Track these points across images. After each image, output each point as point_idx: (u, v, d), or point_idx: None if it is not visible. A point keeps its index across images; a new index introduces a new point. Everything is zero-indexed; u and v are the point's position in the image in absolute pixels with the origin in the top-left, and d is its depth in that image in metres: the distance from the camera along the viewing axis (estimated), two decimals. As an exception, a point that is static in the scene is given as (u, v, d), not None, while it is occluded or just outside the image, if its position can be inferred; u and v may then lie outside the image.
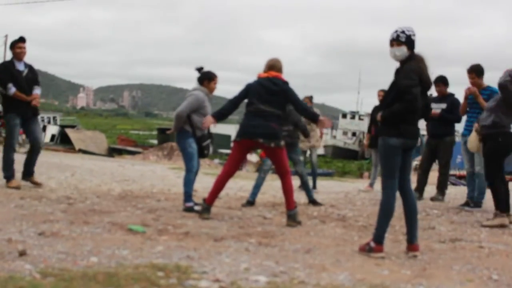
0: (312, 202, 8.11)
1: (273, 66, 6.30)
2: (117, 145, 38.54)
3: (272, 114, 6.11)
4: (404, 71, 4.73)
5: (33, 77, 7.83)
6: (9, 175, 7.66)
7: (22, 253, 3.93)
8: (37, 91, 7.81)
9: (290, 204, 6.19)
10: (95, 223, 5.44)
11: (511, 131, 6.60)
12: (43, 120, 41.21)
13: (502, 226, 6.39)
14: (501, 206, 6.50)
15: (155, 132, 56.17)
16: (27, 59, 7.88)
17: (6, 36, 45.99)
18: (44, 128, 39.03)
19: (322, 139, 14.68)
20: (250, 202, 7.70)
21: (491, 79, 7.11)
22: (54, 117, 44.37)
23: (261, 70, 6.32)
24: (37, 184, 7.93)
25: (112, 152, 33.90)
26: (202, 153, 6.93)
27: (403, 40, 4.78)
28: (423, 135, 8.46)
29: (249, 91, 6.23)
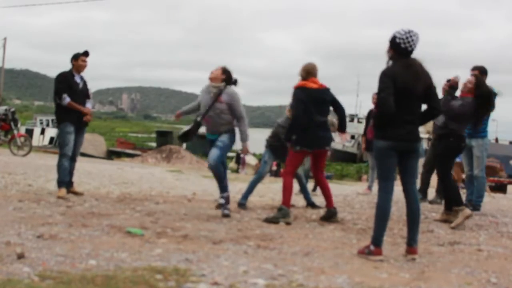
0: (311, 205, 8.11)
1: (311, 72, 6.71)
2: (116, 148, 38.56)
3: (326, 122, 6.76)
4: (379, 75, 4.80)
5: (86, 90, 7.95)
6: (60, 181, 7.59)
7: (20, 256, 3.93)
8: (89, 104, 7.93)
9: (329, 203, 6.91)
10: (93, 226, 5.44)
11: (462, 134, 6.87)
12: (41, 123, 41.17)
13: (467, 217, 6.56)
14: (456, 202, 6.70)
15: (154, 135, 56.13)
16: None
17: (5, 39, 46.01)
18: (42, 131, 39.02)
19: None
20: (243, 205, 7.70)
21: (494, 82, 7.14)
22: (53, 120, 44.25)
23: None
24: (78, 194, 7.78)
25: (111, 154, 33.92)
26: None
27: (389, 40, 4.90)
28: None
29: (303, 104, 6.55)
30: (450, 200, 6.86)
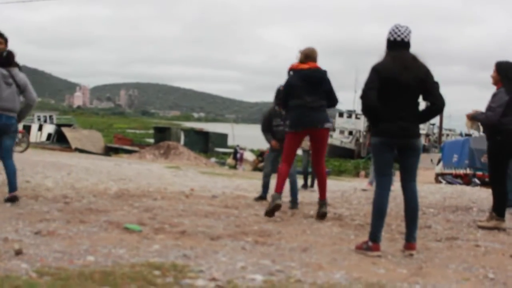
0: (293, 202, 7.79)
1: (309, 56, 6.63)
2: (114, 144, 38.58)
3: (319, 104, 6.55)
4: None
5: None
6: None
7: (18, 252, 3.92)
8: None
9: (322, 194, 6.76)
10: (91, 222, 5.43)
11: None
12: (39, 119, 41.16)
13: (497, 228, 6.24)
14: (499, 211, 6.33)
15: (151, 131, 56.15)
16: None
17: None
18: (40, 127, 39.01)
19: None
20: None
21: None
22: (50, 116, 44.30)
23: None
24: None
25: (109, 151, 33.95)
26: None
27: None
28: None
29: (292, 86, 6.56)
30: (497, 205, 6.38)
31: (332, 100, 6.74)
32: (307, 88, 6.49)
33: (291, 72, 6.67)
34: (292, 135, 6.60)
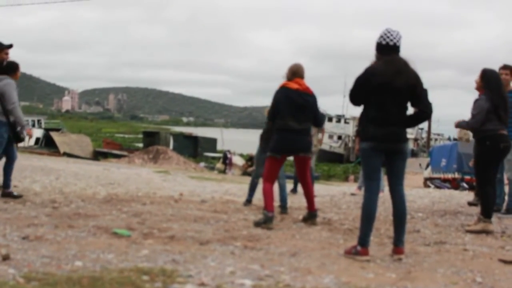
0: (282, 207, 7.71)
1: (296, 72, 6.50)
2: (103, 149, 38.38)
3: (304, 129, 6.46)
4: None
5: None
6: None
7: (5, 258, 3.89)
8: None
9: (311, 206, 6.71)
10: (80, 227, 5.41)
11: (501, 133, 6.41)
12: (27, 124, 40.91)
13: (485, 232, 6.26)
14: (486, 212, 6.37)
15: (140, 136, 55.96)
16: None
17: (-10, 39, 45.49)
18: (28, 131, 38.74)
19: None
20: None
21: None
22: (38, 120, 44.04)
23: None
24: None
25: (98, 155, 33.76)
26: (18, 138, 7.50)
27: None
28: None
29: (279, 104, 6.40)
30: (485, 208, 6.41)
31: (317, 121, 6.75)
32: (292, 110, 6.33)
33: (278, 90, 6.49)
34: (274, 158, 6.48)
